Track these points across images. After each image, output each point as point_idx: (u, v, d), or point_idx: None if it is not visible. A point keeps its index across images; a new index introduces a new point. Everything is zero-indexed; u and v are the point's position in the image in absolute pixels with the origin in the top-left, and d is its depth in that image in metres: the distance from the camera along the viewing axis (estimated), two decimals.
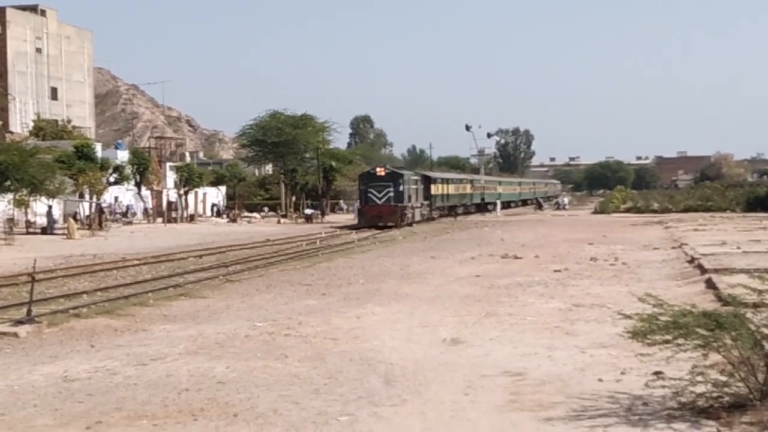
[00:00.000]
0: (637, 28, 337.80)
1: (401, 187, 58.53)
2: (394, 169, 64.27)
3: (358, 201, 64.58)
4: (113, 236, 50.91)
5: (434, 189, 70.05)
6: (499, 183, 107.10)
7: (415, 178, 65.47)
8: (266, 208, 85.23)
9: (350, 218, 70.66)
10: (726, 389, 9.65)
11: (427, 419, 9.88)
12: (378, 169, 61.97)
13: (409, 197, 60.66)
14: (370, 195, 58.60)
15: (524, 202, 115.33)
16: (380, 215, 57.18)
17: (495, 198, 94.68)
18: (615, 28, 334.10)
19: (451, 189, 77.36)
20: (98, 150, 65.78)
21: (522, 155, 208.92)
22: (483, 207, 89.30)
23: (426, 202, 66.91)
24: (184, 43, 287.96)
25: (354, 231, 53.38)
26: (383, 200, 57.91)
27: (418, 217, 63.14)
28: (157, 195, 74.25)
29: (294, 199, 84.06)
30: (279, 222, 71.52)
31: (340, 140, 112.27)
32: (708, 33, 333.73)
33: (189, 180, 74.26)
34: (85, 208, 60.13)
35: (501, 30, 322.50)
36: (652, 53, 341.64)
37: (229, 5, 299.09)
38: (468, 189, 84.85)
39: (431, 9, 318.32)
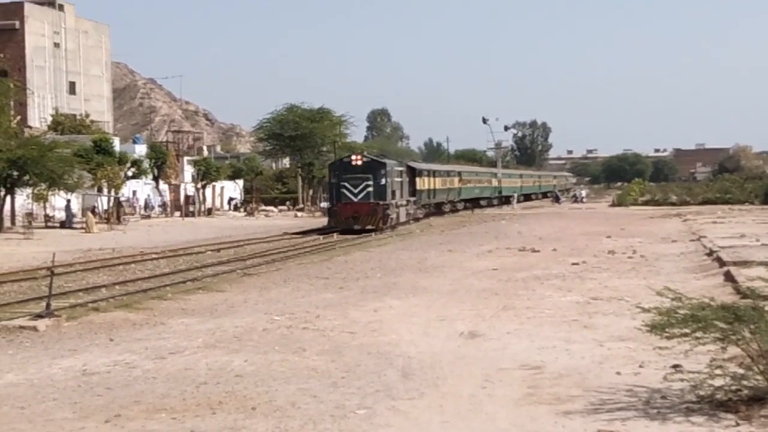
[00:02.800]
0: (655, 21, 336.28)
1: (383, 180, 47.33)
2: (373, 157, 51.71)
3: (329, 197, 52.33)
4: (131, 230, 51.16)
5: (420, 183, 58.88)
6: (494, 175, 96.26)
7: (400, 169, 53.84)
8: (286, 203, 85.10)
9: None
10: (745, 382, 9.63)
11: (444, 413, 9.88)
12: (354, 157, 49.90)
13: (393, 193, 49.40)
14: (343, 190, 46.94)
15: (527, 197, 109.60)
16: (356, 216, 45.64)
17: (491, 192, 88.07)
18: (632, 21, 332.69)
19: (438, 183, 66.14)
20: (116, 144, 66.17)
21: (539, 148, 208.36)
22: (476, 203, 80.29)
23: (412, 199, 56.02)
24: (201, 37, 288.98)
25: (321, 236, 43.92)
26: (360, 197, 46.40)
27: (403, 218, 52.31)
28: (175, 189, 74.55)
29: (311, 192, 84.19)
30: (296, 216, 71.55)
31: (357, 134, 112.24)
32: (727, 25, 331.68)
33: (206, 174, 74.61)
34: (103, 203, 60.44)
35: (518, 23, 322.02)
36: (671, 45, 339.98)
37: (240, 2, 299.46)
38: (456, 183, 73.26)
39: (449, 3, 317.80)
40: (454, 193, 71.69)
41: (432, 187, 63.30)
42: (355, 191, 46.39)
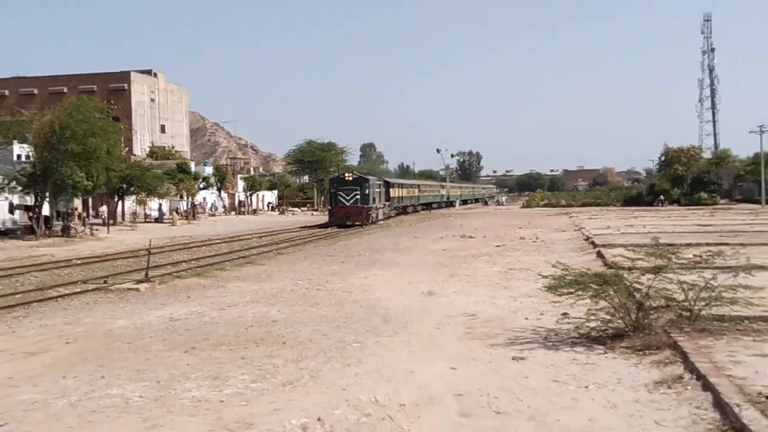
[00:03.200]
0: (547, 78, 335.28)
1: (367, 191, 45.62)
2: (360, 174, 50.02)
3: (329, 202, 50.42)
4: (202, 224, 51.04)
5: (393, 192, 56.92)
6: (442, 187, 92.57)
7: (379, 182, 52.01)
8: (306, 205, 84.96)
9: None
10: (610, 324, 9.70)
11: (411, 345, 9.91)
12: (346, 175, 48.42)
13: (374, 199, 47.35)
14: (339, 197, 45.38)
15: (465, 202, 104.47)
16: (348, 215, 44.33)
17: (438, 199, 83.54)
18: (527, 81, 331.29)
19: (404, 192, 63.63)
20: (192, 166, 66.09)
21: (474, 169, 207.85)
22: (430, 206, 76.73)
23: (387, 203, 53.78)
24: (250, 93, 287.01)
25: (327, 228, 42.47)
26: (351, 202, 44.90)
27: (381, 217, 49.91)
28: (231, 196, 74.35)
29: (322, 198, 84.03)
30: (312, 214, 71.34)
31: (353, 159, 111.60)
32: (592, 75, 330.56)
33: (253, 186, 74.62)
34: (183, 205, 60.30)
35: (461, 85, 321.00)
36: (561, 95, 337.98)
37: (277, 71, 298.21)
38: (416, 192, 70.26)
39: (418, 75, 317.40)
40: (415, 199, 69.50)
41: (401, 195, 61.61)
42: (347, 198, 44.96)
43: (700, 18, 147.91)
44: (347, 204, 44.93)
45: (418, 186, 74.90)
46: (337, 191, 45.90)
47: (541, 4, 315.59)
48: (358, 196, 45.03)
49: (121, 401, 7.44)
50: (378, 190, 50.14)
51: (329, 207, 48.74)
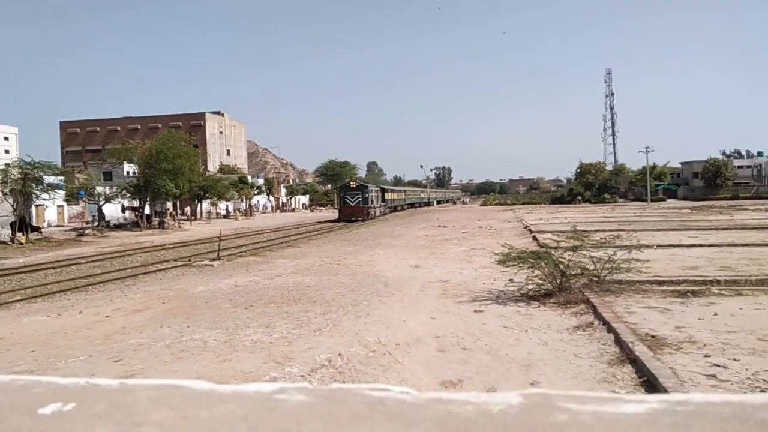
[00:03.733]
0: (500, 114, 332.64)
1: (367, 195, 43.16)
2: (362, 182, 47.29)
3: (338, 203, 47.45)
4: (256, 219, 50.88)
5: (387, 195, 54.13)
6: (422, 191, 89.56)
7: (376, 188, 49.36)
8: (328, 205, 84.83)
9: None
10: (542, 287, 9.69)
11: (404, 302, 9.88)
12: (351, 183, 45.66)
13: (372, 201, 44.76)
14: (346, 199, 43.07)
15: (440, 202, 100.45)
16: (353, 213, 42.00)
17: (420, 200, 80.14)
18: (487, 116, 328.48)
19: (395, 195, 60.94)
20: (249, 179, 65.94)
21: (446, 179, 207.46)
22: (414, 206, 73.86)
23: (383, 204, 50.76)
24: (289, 125, 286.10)
25: (336, 223, 40.53)
26: (355, 203, 42.50)
27: (378, 214, 47.03)
28: (277, 199, 74.28)
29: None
30: (332, 211, 71.19)
31: (361, 172, 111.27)
32: (532, 116, 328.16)
33: (291, 192, 74.74)
34: (243, 206, 60.27)
35: (438, 120, 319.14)
36: (508, 126, 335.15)
37: (308, 110, 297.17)
38: (402, 195, 67.08)
39: (409, 114, 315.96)
40: (403, 200, 67.07)
41: (393, 198, 59.58)
42: (352, 200, 42.63)
43: (603, 72, 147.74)
44: (352, 205, 42.67)
45: (405, 191, 73.55)
46: (344, 195, 43.65)
47: (497, 70, 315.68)
48: (360, 199, 42.81)
49: (201, 343, 7.44)
50: (375, 194, 48.34)
51: (339, 207, 46.91)
